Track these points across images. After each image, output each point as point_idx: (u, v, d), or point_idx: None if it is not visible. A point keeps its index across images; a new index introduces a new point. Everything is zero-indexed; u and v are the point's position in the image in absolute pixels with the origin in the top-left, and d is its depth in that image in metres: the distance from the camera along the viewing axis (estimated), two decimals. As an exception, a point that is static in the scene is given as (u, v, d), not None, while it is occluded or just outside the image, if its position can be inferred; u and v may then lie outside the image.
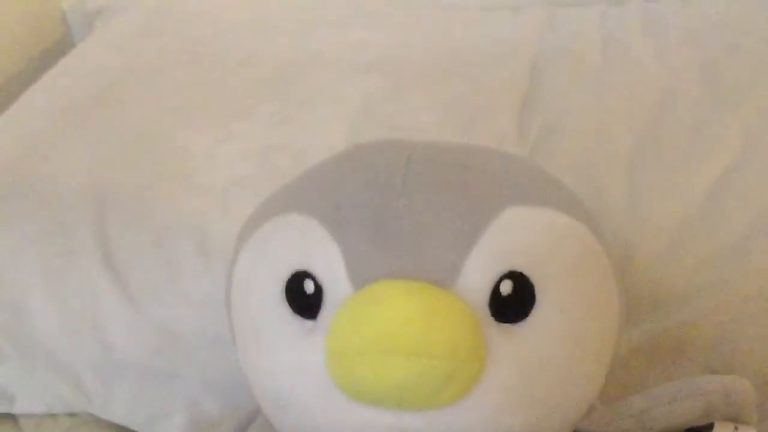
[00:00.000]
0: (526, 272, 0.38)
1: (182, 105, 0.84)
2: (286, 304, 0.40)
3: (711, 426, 0.48)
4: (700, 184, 0.64)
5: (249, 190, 0.68)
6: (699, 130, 0.65)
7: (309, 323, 0.40)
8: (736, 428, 0.49)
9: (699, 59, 0.76)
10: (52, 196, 0.76)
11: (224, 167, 0.75)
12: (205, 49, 0.94)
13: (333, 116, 0.77)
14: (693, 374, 0.59)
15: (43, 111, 0.86)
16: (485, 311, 0.38)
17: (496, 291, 0.38)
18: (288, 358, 0.40)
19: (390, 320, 0.35)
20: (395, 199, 0.39)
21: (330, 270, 0.39)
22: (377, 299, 0.36)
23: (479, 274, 0.38)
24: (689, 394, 0.48)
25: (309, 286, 0.39)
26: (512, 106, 0.74)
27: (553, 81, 0.76)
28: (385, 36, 0.90)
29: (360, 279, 0.38)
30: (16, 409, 0.76)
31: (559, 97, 0.74)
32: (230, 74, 0.87)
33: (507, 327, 0.38)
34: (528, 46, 0.84)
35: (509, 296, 0.38)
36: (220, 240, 0.66)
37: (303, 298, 0.40)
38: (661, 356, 0.60)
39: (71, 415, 0.75)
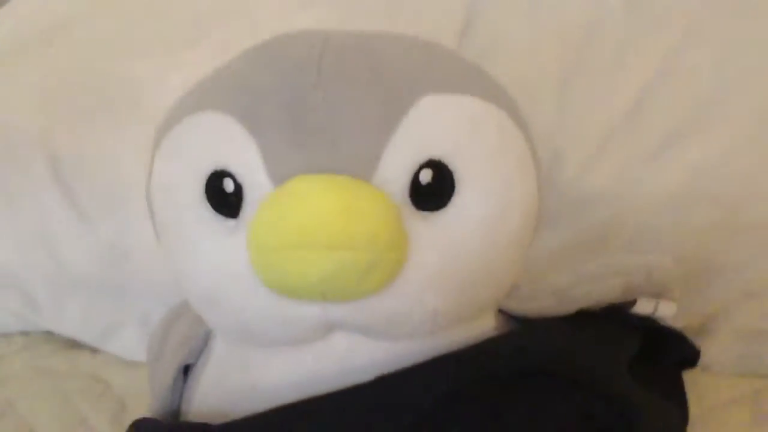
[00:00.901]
0: (444, 160, 0.37)
1: (129, 39, 0.82)
2: (207, 204, 0.38)
3: (633, 302, 0.49)
4: (624, 96, 0.65)
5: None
6: (623, 50, 0.67)
7: (231, 222, 0.38)
8: (657, 303, 0.50)
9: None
10: (2, 119, 0.74)
11: (174, 94, 0.74)
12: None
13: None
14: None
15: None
16: (405, 200, 0.37)
17: (415, 180, 0.37)
18: (212, 258, 0.39)
19: (309, 215, 0.34)
20: (310, 93, 0.37)
21: (248, 168, 0.37)
22: (296, 195, 0.35)
23: (398, 165, 0.37)
24: (611, 273, 0.49)
25: (228, 185, 0.38)
26: (451, 35, 0.75)
27: (488, 13, 0.77)
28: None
29: (279, 175, 0.36)
30: (-31, 330, 0.75)
31: (494, 26, 0.74)
32: (175, 9, 0.85)
33: (428, 215, 0.37)
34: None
35: (429, 184, 0.37)
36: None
37: (223, 197, 0.38)
38: (586, 250, 0.62)
39: (24, 334, 0.75)
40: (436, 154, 0.37)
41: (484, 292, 0.41)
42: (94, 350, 0.72)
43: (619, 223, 0.62)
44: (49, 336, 0.74)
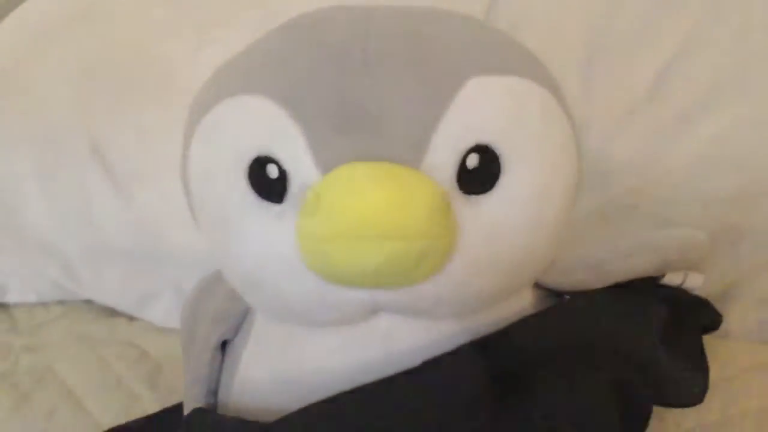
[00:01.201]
0: (491, 144, 0.36)
1: (163, 17, 0.82)
2: (250, 190, 0.37)
3: (663, 273, 0.49)
4: (648, 68, 0.64)
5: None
6: (646, 24, 0.66)
7: (276, 207, 0.36)
8: (685, 274, 0.50)
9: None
10: (42, 99, 0.75)
11: (206, 70, 0.74)
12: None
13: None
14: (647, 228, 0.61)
15: (35, 23, 0.85)
16: (453, 186, 0.36)
17: (462, 165, 0.36)
18: (257, 243, 0.37)
19: (360, 205, 0.33)
20: (357, 77, 0.35)
21: (294, 154, 0.35)
22: (346, 184, 0.33)
23: (446, 150, 0.35)
24: (646, 249, 0.48)
25: (272, 171, 0.36)
26: (477, 9, 0.74)
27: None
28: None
29: (326, 162, 0.35)
30: (9, 299, 0.76)
31: (521, 2, 0.74)
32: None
33: (474, 198, 0.36)
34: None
35: (476, 169, 0.36)
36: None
37: (267, 183, 0.36)
38: (614, 218, 0.62)
39: (61, 303, 0.76)
40: (483, 138, 0.36)
41: (527, 271, 0.41)
42: (130, 318, 0.73)
43: (642, 193, 0.62)
44: (88, 304, 0.75)
